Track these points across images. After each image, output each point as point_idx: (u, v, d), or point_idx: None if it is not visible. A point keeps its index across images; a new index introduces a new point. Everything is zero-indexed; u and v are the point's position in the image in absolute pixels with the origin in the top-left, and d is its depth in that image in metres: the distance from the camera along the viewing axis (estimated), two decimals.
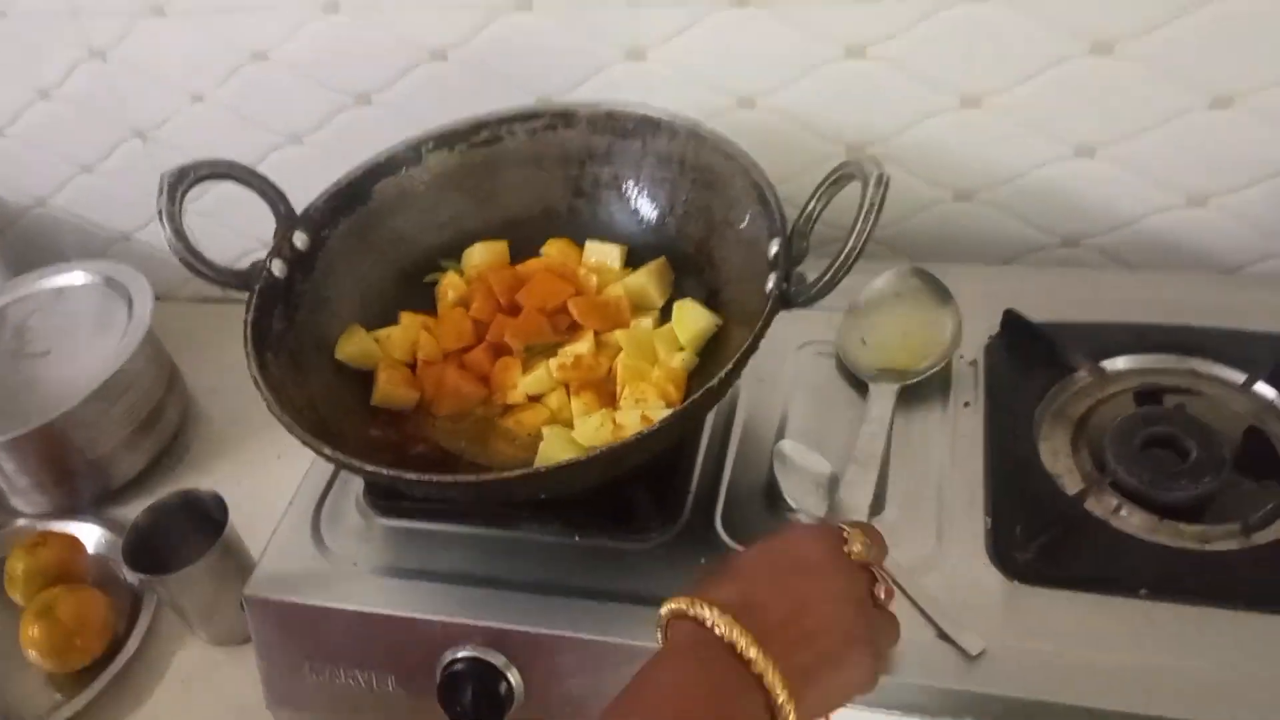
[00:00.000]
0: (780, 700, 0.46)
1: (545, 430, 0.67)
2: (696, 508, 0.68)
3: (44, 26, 0.95)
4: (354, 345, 0.72)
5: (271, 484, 0.87)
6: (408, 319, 0.75)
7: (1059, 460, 0.67)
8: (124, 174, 1.04)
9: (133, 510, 0.90)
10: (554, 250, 0.77)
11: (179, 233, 0.67)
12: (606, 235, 0.77)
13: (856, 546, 0.53)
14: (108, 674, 0.79)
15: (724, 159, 0.71)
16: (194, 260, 0.68)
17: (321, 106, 0.93)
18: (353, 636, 0.67)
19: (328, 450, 0.60)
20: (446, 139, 0.78)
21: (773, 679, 0.46)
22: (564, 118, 0.78)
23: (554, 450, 0.66)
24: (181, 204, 0.68)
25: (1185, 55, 0.73)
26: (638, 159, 0.77)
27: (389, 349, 0.73)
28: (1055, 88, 0.76)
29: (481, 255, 0.78)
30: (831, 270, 0.58)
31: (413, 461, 0.67)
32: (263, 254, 0.71)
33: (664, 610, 0.50)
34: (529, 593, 0.65)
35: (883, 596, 0.53)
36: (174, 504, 0.79)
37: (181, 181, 0.68)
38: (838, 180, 0.62)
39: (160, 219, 0.67)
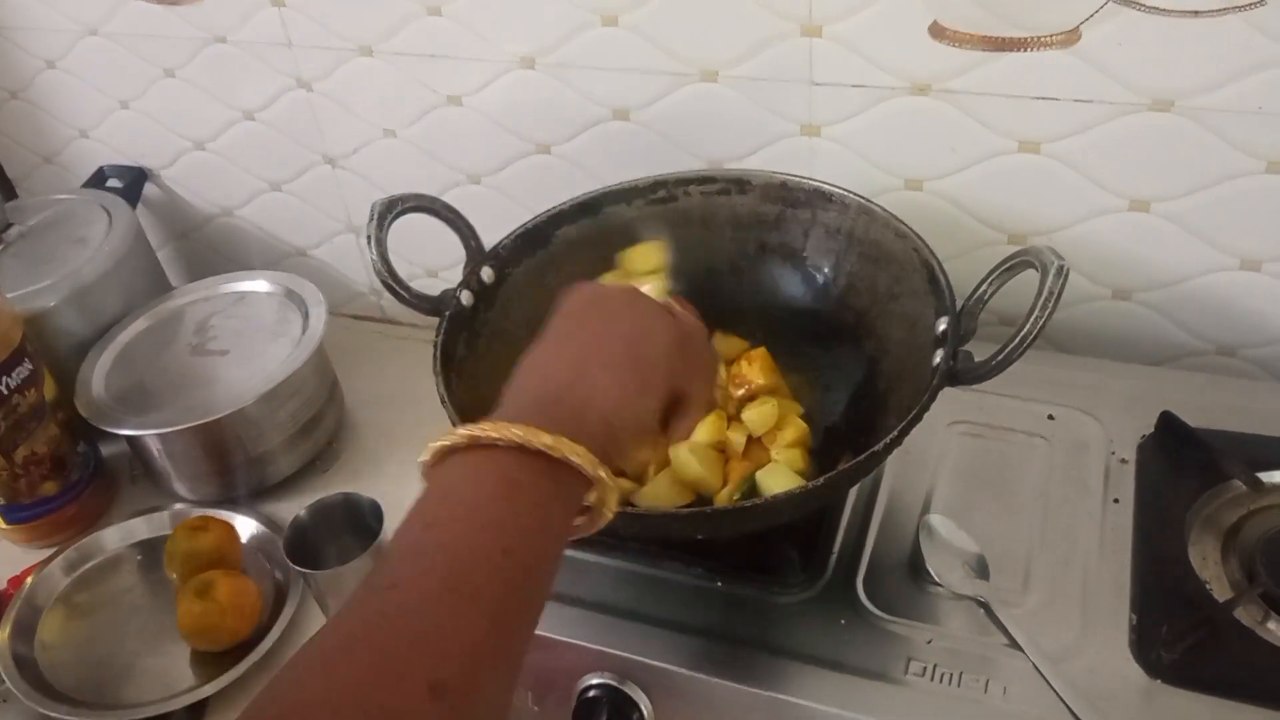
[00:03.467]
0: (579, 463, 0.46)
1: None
2: (838, 569, 0.70)
3: (260, 55, 1.04)
4: None
5: (413, 499, 0.92)
6: None
7: (1208, 566, 0.67)
8: (310, 195, 1.12)
9: (284, 507, 0.96)
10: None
11: (384, 257, 0.73)
12: (769, 298, 0.81)
13: None
14: (251, 658, 0.83)
15: (894, 236, 0.74)
16: (394, 283, 0.73)
17: (503, 152, 0.99)
18: None
19: None
20: (626, 194, 0.83)
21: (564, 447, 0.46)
22: (738, 184, 0.82)
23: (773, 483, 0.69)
24: (388, 231, 0.74)
25: None
26: (806, 228, 0.80)
27: None
28: (1227, 200, 0.77)
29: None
30: (1004, 353, 0.61)
31: None
32: (427, 280, 0.76)
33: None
34: (668, 630, 0.68)
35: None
36: (335, 504, 0.84)
37: (390, 211, 0.74)
38: (1013, 267, 0.64)
39: (368, 243, 0.73)
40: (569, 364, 0.52)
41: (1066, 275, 0.60)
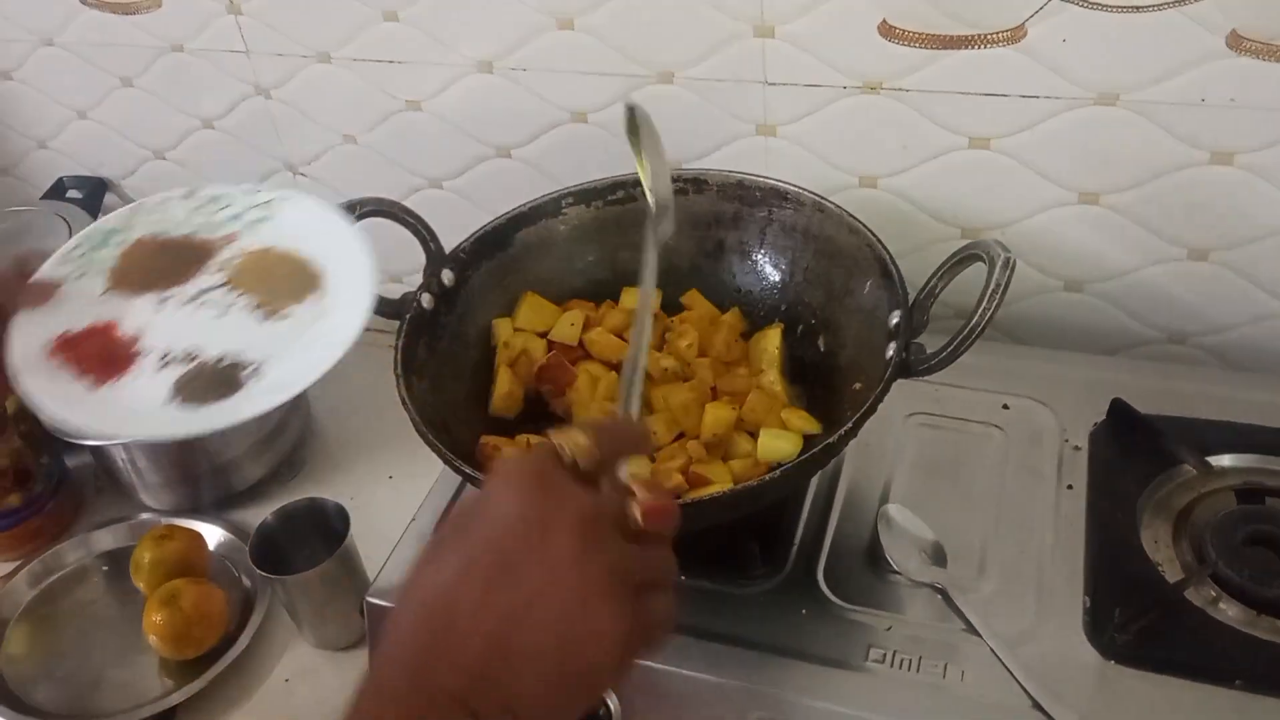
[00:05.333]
0: None
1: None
2: (799, 560, 0.71)
3: (218, 62, 1.03)
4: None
5: (379, 503, 0.92)
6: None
7: (1160, 549, 0.69)
8: None
9: (250, 514, 0.96)
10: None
11: None
12: (727, 294, 0.82)
13: (571, 450, 0.41)
14: (219, 666, 0.83)
15: (847, 232, 0.75)
16: None
17: (464, 156, 1.00)
18: None
19: (467, 469, 0.64)
20: (585, 195, 0.83)
21: None
22: (695, 184, 0.82)
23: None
24: None
25: None
26: (763, 226, 0.81)
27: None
28: (1173, 192, 0.79)
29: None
30: (953, 344, 0.62)
31: None
32: (391, 285, 0.76)
33: None
34: None
35: (638, 516, 0.42)
36: (300, 509, 0.84)
37: (348, 215, 0.74)
38: (963, 260, 0.65)
39: None
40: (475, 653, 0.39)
41: (1013, 267, 0.61)
